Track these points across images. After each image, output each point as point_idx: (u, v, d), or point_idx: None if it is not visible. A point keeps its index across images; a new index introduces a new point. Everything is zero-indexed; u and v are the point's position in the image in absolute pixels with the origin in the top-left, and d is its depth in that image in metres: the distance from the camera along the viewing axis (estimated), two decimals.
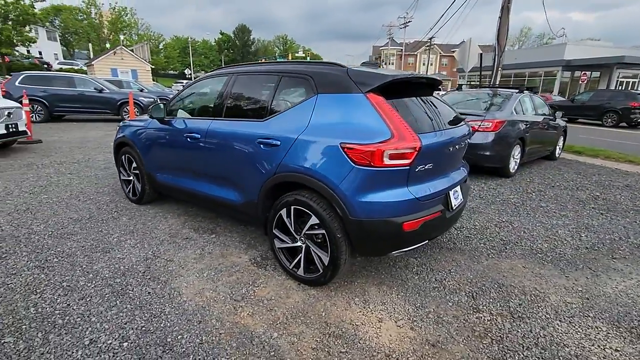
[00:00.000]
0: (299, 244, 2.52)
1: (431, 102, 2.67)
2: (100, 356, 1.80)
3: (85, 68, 25.31)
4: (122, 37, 30.05)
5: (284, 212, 2.52)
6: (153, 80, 25.34)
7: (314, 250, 2.45)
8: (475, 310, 2.34)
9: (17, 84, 11.39)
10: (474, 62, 12.08)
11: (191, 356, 1.84)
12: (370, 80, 2.27)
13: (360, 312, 2.29)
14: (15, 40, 19.22)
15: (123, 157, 4.09)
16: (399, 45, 54.26)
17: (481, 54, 11.49)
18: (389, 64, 62.12)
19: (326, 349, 1.95)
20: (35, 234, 3.19)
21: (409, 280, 2.68)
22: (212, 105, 3.17)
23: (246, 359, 1.85)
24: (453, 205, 2.60)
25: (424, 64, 59.34)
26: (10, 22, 18.70)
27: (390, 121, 2.15)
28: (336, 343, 2.00)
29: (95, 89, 11.95)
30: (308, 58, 49.01)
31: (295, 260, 2.57)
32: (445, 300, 2.44)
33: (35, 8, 19.77)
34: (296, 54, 54.59)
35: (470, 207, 4.36)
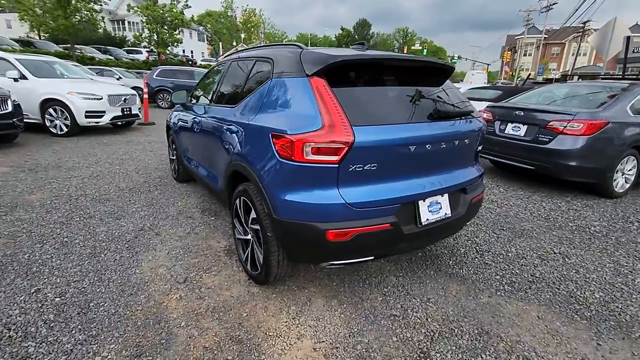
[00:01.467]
0: (249, 237, 2.40)
1: (421, 91, 2.16)
2: (31, 305, 2.07)
3: None
4: (242, 35, 33.86)
5: (237, 202, 2.44)
6: None
7: (255, 246, 2.30)
8: (420, 356, 1.84)
9: (154, 76, 14.01)
10: (617, 49, 9.49)
11: (95, 323, 1.95)
12: (317, 63, 1.96)
13: (285, 322, 2.06)
14: (167, 42, 23.60)
15: (168, 138, 4.60)
16: (539, 33, 46.16)
17: (628, 38, 8.95)
18: (526, 54, 53.68)
19: (216, 351, 1.81)
20: (84, 197, 3.86)
21: (367, 301, 2.27)
22: (211, 92, 3.27)
23: (136, 340, 1.86)
24: (423, 220, 2.07)
25: (572, 54, 49.18)
26: (165, 27, 23.03)
27: (324, 109, 1.83)
28: (231, 348, 1.84)
29: None
30: (425, 51, 46.23)
31: (246, 254, 2.46)
32: (393, 334, 1.99)
33: (184, 14, 23.88)
34: (412, 47, 52.09)
35: (520, 228, 3.44)
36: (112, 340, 1.84)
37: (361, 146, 1.79)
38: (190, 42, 42.87)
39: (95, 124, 7.30)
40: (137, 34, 25.42)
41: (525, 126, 4.58)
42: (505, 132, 4.81)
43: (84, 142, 6.79)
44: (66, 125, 7.09)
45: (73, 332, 1.88)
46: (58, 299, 2.13)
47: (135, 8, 23.30)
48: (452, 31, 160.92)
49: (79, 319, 1.97)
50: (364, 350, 1.87)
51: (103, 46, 25.30)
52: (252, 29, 47.32)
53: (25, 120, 6.51)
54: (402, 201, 1.97)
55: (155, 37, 23.47)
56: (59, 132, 7.11)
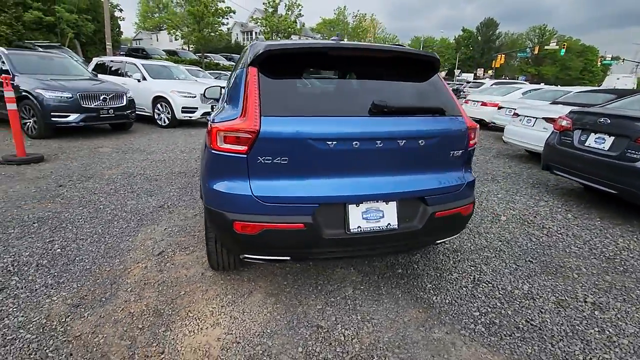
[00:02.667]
0: None
1: (368, 83, 1.94)
2: (39, 250, 2.59)
3: None
4: (346, 40, 34.57)
5: None
6: None
7: None
8: None
9: None
10: None
11: (68, 274, 2.33)
12: (255, 52, 1.94)
13: (213, 308, 2.10)
14: None
15: None
16: None
17: None
18: None
19: (134, 318, 1.97)
20: (141, 175, 4.58)
21: (304, 306, 2.14)
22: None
23: (85, 293, 2.15)
24: (353, 227, 1.85)
25: None
26: (279, 35, 25.38)
27: (244, 98, 1.81)
28: (148, 319, 1.98)
29: None
30: (562, 51, 39.26)
31: None
32: (301, 345, 1.83)
33: (297, 23, 25.92)
34: (546, 48, 44.83)
35: (557, 264, 2.70)
36: (68, 289, 2.18)
37: (267, 137, 1.70)
38: None
39: (189, 118, 8.55)
40: None
41: (612, 138, 3.55)
42: (586, 144, 3.82)
43: (177, 133, 8.01)
44: (168, 119, 8.50)
45: (48, 277, 2.29)
46: (59, 250, 2.63)
47: (257, 19, 26.30)
48: (611, 27, 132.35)
49: (59, 268, 2.39)
50: (260, 352, 1.78)
51: (229, 54, 29.25)
52: (362, 34, 48.03)
53: (142, 113, 8.24)
54: (322, 201, 1.80)
55: None
56: (162, 124, 8.56)
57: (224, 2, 21.36)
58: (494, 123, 9.12)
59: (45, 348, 1.73)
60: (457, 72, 50.32)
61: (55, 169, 4.59)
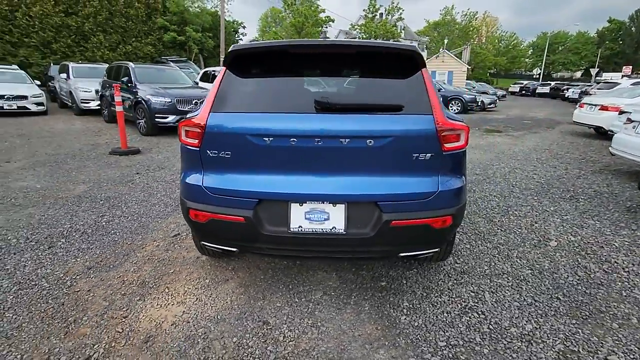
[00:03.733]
0: None
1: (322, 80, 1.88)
2: (76, 225, 3.21)
3: None
4: (446, 40, 31.58)
5: None
6: (472, 80, 25.51)
7: None
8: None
9: None
10: None
11: (89, 243, 2.84)
12: (226, 53, 2.07)
13: (187, 288, 2.30)
14: None
15: None
16: None
17: None
18: None
19: (124, 284, 2.30)
20: None
21: (265, 301, 2.17)
22: None
23: (99, 259, 2.60)
24: (294, 226, 1.81)
25: None
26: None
27: (210, 95, 1.95)
28: (132, 287, 2.29)
29: None
30: None
31: None
32: (238, 337, 1.88)
33: (396, 27, 25.49)
34: None
35: (593, 308, 2.11)
36: (91, 254, 2.66)
37: (211, 132, 1.80)
38: None
39: None
40: None
41: None
42: None
43: None
44: None
45: (84, 242, 2.84)
46: (104, 223, 3.21)
47: (356, 26, 26.81)
48: None
49: (95, 237, 2.93)
50: (199, 334, 1.89)
51: None
52: (471, 34, 44.20)
53: None
54: (263, 197, 1.81)
55: None
56: None
57: (324, 12, 22.50)
58: (611, 131, 7.40)
59: (50, 295, 2.17)
60: (594, 71, 41.93)
61: (142, 160, 5.57)
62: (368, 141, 1.75)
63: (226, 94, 1.90)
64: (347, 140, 1.74)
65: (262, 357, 1.74)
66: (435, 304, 2.15)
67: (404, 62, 1.94)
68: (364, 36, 25.30)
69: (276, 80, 2.02)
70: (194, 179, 1.94)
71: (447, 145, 1.84)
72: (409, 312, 2.07)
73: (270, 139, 1.75)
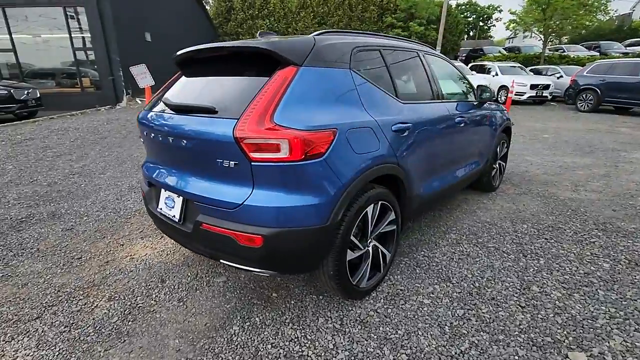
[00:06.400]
0: None
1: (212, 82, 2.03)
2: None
3: None
4: None
5: None
6: None
7: None
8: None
9: (585, 73, 11.85)
10: None
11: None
12: None
13: (136, 250, 3.06)
14: None
15: None
16: None
17: None
18: None
19: (112, 251, 3.33)
20: None
21: (216, 301, 2.61)
22: None
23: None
24: (159, 207, 2.14)
25: None
26: None
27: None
28: (121, 256, 3.27)
29: None
30: None
31: None
32: (164, 326, 2.45)
33: None
34: None
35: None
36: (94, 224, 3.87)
37: (140, 126, 2.35)
38: None
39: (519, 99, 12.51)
40: None
41: None
42: None
43: None
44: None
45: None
46: None
47: None
48: None
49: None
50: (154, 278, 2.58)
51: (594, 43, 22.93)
52: None
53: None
54: (149, 180, 2.23)
55: None
56: None
57: None
58: None
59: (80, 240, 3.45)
60: None
61: None
62: (183, 142, 1.82)
63: (163, 92, 2.38)
64: (171, 138, 1.88)
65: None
66: (406, 325, 1.89)
67: (263, 62, 1.79)
68: None
69: (186, 81, 2.28)
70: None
71: (256, 155, 1.61)
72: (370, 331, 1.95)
73: (155, 135, 2.06)
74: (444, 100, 2.80)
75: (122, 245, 2.95)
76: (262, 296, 2.23)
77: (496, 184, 4.07)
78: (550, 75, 14.61)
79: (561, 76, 14.35)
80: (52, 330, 1.96)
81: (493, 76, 13.69)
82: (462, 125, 2.96)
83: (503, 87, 12.91)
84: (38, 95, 9.85)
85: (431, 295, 2.19)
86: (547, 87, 12.84)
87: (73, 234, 3.13)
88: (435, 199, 2.87)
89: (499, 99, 12.36)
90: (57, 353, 1.81)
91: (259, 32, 2.34)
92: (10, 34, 11.75)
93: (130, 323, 2.02)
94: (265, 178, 1.66)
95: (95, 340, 1.89)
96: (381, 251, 2.23)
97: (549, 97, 13.23)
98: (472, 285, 2.28)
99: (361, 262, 2.12)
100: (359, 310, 2.06)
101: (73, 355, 1.79)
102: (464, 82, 3.45)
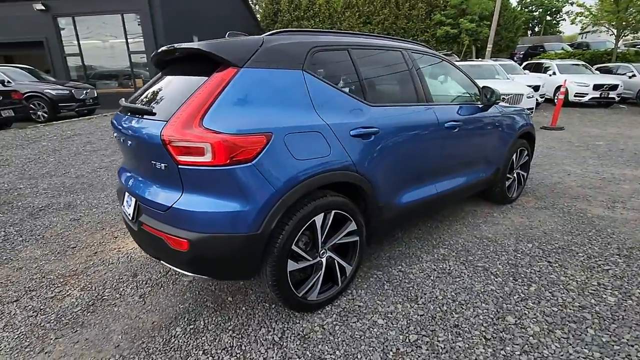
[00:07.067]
0: None
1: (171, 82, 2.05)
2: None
3: None
4: None
5: None
6: None
7: None
8: None
9: None
10: None
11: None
12: None
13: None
14: None
15: None
16: None
17: None
18: None
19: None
20: None
21: (175, 306, 2.68)
22: None
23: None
24: (122, 207, 2.20)
25: None
26: None
27: None
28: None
29: None
30: None
31: None
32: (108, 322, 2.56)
33: None
34: None
35: None
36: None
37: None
38: None
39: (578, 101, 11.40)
40: None
41: None
42: None
43: None
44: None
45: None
46: None
47: None
48: None
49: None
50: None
51: None
52: None
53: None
54: (121, 180, 2.31)
55: None
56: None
57: None
58: None
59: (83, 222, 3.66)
60: None
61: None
62: (129, 143, 1.85)
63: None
64: (135, 144, 1.89)
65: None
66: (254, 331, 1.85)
67: (206, 64, 1.76)
68: None
69: (156, 82, 2.29)
70: None
71: (182, 159, 1.59)
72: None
73: (122, 138, 2.05)
74: (432, 104, 2.57)
75: (116, 238, 3.12)
76: (217, 299, 2.22)
77: (512, 195, 3.67)
78: (621, 75, 12.90)
79: (634, 75, 12.64)
80: (22, 314, 2.12)
81: (550, 75, 12.48)
82: (457, 130, 2.69)
83: (559, 87, 11.72)
84: (95, 94, 10.90)
85: (389, 315, 2.01)
86: (614, 87, 11.30)
87: (78, 224, 3.38)
88: (419, 209, 2.65)
89: (554, 100, 11.27)
90: (17, 336, 1.94)
91: (227, 32, 2.31)
92: (78, 40, 13.14)
93: (88, 314, 2.12)
94: (192, 182, 1.64)
95: (52, 328, 2.00)
96: (338, 263, 2.10)
97: (617, 99, 11.64)
98: (438, 309, 2.05)
99: (311, 274, 2.01)
100: (305, 325, 1.96)
101: (27, 340, 1.91)
102: (466, 84, 3.14)
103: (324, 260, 2.02)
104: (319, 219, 1.89)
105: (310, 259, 1.95)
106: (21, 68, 10.66)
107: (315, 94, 1.90)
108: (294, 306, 1.97)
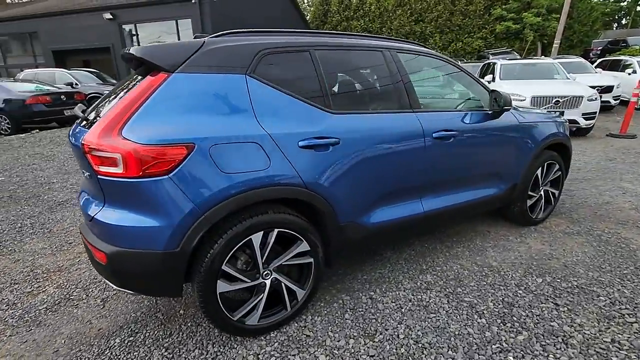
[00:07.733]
0: None
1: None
2: None
3: None
4: None
5: None
6: None
7: None
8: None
9: None
10: None
11: None
12: None
13: None
14: None
15: None
16: None
17: None
18: None
19: None
20: None
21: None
22: None
23: None
24: None
25: None
26: None
27: None
28: None
29: None
30: None
31: None
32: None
33: None
34: None
35: None
36: None
37: None
38: None
39: None
40: None
41: None
42: None
43: None
44: None
45: None
46: None
47: None
48: None
49: None
50: None
51: None
52: None
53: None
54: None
55: None
56: None
57: None
58: None
59: None
60: None
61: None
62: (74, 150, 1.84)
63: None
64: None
65: None
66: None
67: (144, 69, 1.69)
68: None
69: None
70: None
71: (100, 169, 1.53)
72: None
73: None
74: (417, 111, 2.24)
75: None
76: (170, 311, 2.15)
77: (537, 216, 3.14)
78: None
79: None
80: None
81: (629, 74, 10.83)
82: (452, 140, 2.33)
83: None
84: None
85: (334, 351, 1.77)
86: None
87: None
88: (401, 229, 2.34)
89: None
90: None
91: (194, 35, 2.24)
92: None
93: (49, 314, 2.17)
94: (111, 193, 1.57)
95: (12, 324, 2.08)
96: (287, 286, 1.90)
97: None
98: (394, 350, 1.76)
99: (251, 296, 1.84)
100: (241, 352, 1.80)
101: None
102: (475, 89, 2.72)
103: (267, 282, 1.84)
104: (256, 238, 1.72)
105: (248, 281, 1.78)
106: (89, 71, 11.87)
107: (258, 100, 1.73)
108: (228, 329, 1.82)
